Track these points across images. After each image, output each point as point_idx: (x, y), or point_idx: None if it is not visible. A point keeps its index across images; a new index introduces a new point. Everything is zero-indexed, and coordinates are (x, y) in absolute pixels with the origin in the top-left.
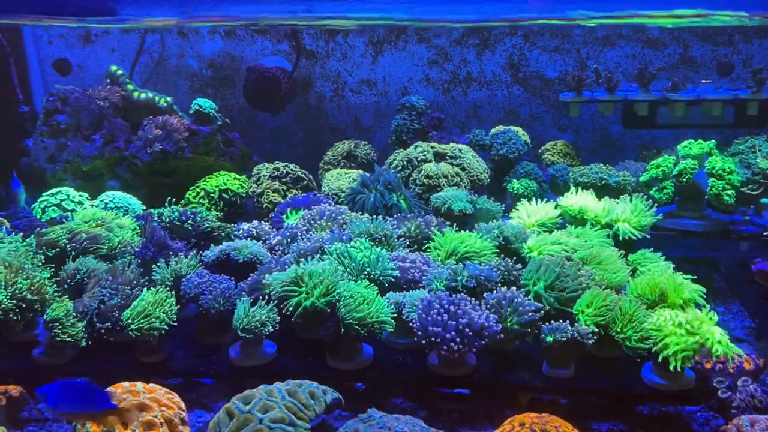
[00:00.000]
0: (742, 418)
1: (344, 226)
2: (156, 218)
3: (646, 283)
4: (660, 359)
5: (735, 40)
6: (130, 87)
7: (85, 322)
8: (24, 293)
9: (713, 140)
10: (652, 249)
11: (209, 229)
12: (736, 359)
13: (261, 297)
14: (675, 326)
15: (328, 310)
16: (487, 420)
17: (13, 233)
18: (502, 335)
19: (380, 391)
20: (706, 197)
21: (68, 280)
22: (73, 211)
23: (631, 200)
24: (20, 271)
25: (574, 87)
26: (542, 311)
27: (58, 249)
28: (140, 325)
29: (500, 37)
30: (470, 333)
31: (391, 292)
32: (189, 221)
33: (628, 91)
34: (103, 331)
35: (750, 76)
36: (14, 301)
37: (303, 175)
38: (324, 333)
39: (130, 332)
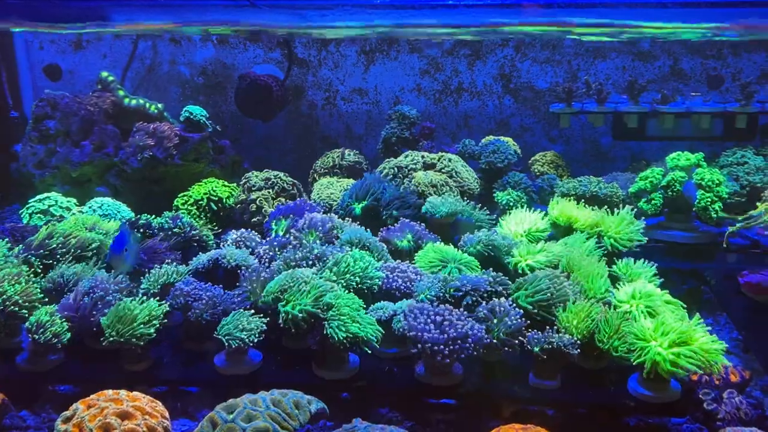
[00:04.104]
0: (728, 430)
1: (333, 232)
2: (144, 223)
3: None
4: (644, 373)
5: (724, 53)
6: (121, 93)
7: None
8: (14, 298)
9: (701, 152)
10: (643, 260)
11: (196, 237)
12: (722, 371)
13: (248, 305)
14: (661, 336)
15: (313, 321)
16: (473, 430)
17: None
18: (486, 341)
19: (367, 400)
20: (694, 209)
21: (54, 285)
22: (61, 217)
23: (620, 212)
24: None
25: (564, 98)
26: (527, 321)
27: (47, 252)
28: (119, 333)
29: (492, 47)
30: (455, 342)
31: (379, 301)
32: (176, 228)
33: (618, 103)
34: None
35: (739, 90)
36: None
37: (292, 184)
38: (311, 341)
39: (108, 339)
